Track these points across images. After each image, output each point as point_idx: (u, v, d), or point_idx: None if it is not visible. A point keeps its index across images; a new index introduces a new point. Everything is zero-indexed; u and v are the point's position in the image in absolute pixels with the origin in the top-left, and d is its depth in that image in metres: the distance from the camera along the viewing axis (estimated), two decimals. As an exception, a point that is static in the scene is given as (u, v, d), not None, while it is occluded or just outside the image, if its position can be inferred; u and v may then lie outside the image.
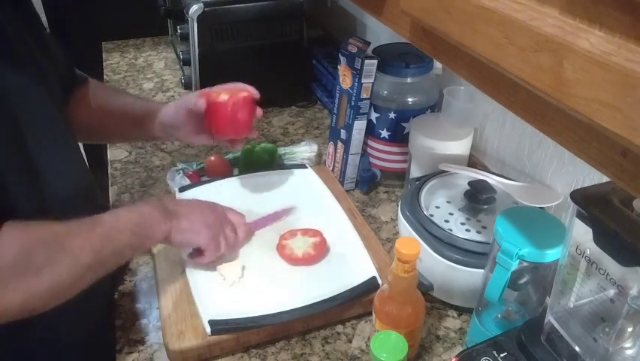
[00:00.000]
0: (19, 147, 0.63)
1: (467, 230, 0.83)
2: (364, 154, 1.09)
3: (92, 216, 0.67)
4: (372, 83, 0.99)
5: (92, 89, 0.89)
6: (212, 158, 1.10)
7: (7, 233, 0.57)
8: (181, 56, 1.33)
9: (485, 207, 0.86)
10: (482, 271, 0.71)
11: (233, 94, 0.85)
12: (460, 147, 0.95)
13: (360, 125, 1.03)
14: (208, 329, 0.73)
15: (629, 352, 0.52)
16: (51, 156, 0.68)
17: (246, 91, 0.86)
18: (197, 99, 0.83)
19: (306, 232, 0.88)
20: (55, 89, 0.73)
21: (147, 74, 1.60)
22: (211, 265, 0.82)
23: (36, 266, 0.58)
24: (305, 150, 1.16)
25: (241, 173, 1.06)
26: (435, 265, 0.77)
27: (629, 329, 0.51)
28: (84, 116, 0.87)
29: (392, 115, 1.03)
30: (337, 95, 1.06)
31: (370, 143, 1.09)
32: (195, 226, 0.77)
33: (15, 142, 0.63)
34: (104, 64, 1.67)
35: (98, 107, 0.89)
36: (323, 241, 0.86)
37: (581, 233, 0.51)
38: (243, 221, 0.87)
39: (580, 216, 0.51)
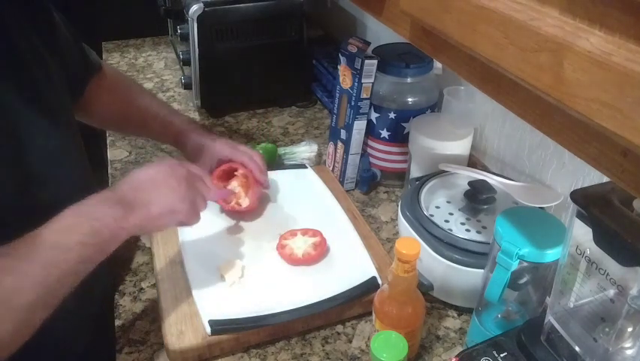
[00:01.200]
0: (18, 147, 0.63)
1: (467, 230, 0.83)
2: (364, 154, 1.09)
3: (26, 237, 0.55)
4: (372, 83, 0.99)
5: (110, 77, 0.90)
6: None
7: None
8: (181, 56, 1.33)
9: (485, 207, 0.86)
10: (482, 271, 0.71)
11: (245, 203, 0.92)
12: (460, 147, 0.95)
13: (360, 125, 1.03)
14: (208, 329, 0.73)
15: (629, 352, 0.52)
16: (50, 158, 0.68)
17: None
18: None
19: (306, 231, 0.88)
20: (60, 89, 0.73)
21: (147, 74, 1.60)
22: (210, 264, 0.82)
23: None
24: (305, 150, 1.16)
25: (241, 173, 1.06)
26: (435, 265, 0.77)
27: (629, 329, 0.51)
28: (106, 105, 0.88)
29: (392, 115, 1.03)
30: (337, 95, 1.06)
31: (370, 143, 1.09)
32: (169, 206, 0.67)
33: (13, 146, 0.63)
34: (104, 64, 1.67)
35: (124, 103, 0.90)
36: (323, 241, 0.86)
37: (581, 233, 0.51)
38: (202, 171, 0.79)
39: (580, 216, 0.51)
